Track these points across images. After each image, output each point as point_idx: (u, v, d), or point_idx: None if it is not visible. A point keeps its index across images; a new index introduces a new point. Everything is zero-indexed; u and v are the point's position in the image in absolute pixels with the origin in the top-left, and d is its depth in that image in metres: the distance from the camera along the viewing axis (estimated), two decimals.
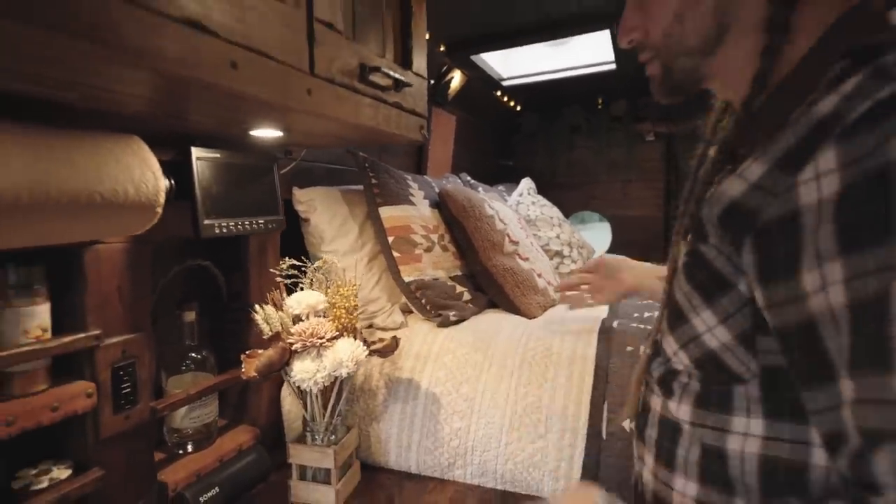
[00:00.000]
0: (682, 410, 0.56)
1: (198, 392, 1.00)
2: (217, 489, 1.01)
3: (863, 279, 0.38)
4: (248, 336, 1.16)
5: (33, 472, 0.79)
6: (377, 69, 0.82)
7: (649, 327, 1.14)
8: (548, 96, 2.71)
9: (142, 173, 0.69)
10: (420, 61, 1.02)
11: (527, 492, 1.05)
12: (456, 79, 2.03)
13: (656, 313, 0.68)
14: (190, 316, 1.05)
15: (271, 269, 1.09)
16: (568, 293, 1.20)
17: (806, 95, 0.44)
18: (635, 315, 1.27)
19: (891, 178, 0.37)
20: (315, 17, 0.68)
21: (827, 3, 0.48)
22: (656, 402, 0.61)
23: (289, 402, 1.25)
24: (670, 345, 0.58)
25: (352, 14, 0.79)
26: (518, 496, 1.04)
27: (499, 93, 2.48)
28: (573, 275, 1.21)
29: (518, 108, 2.84)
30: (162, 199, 0.72)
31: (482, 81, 2.20)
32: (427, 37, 1.10)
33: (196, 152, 0.87)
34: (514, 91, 2.50)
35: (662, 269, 1.02)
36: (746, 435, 0.50)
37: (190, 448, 1.05)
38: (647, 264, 1.14)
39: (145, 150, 0.71)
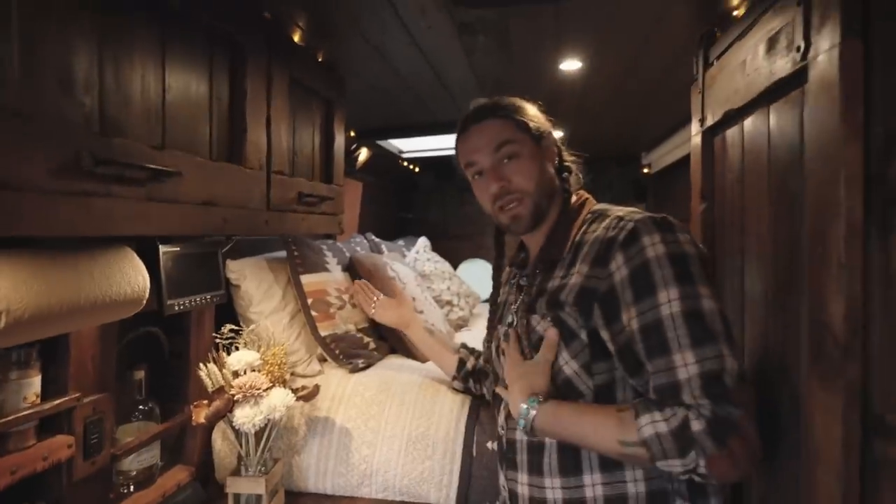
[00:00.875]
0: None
1: (149, 438, 1.21)
2: None
3: (645, 314, 0.76)
4: (188, 389, 1.37)
5: None
6: (309, 194, 1.15)
7: None
8: (441, 161, 3.16)
9: (135, 277, 0.94)
10: (339, 175, 1.36)
11: (419, 500, 1.37)
12: (363, 153, 2.38)
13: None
14: (139, 374, 1.26)
15: (215, 334, 1.33)
16: (361, 288, 1.58)
17: (572, 232, 0.91)
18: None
19: (649, 267, 0.77)
20: (272, 171, 1.00)
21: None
22: (521, 434, 0.93)
23: (219, 443, 1.47)
24: None
25: (291, 158, 1.12)
26: None
27: (399, 160, 2.87)
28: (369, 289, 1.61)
29: (416, 169, 3.25)
30: (147, 293, 0.98)
31: (385, 154, 2.57)
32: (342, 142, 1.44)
33: (162, 248, 1.12)
34: (412, 158, 2.91)
35: (425, 323, 1.51)
36: None
37: (132, 488, 1.24)
38: (422, 325, 1.55)
39: (136, 259, 0.96)
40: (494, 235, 1.14)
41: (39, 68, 0.55)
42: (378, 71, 1.37)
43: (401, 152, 2.64)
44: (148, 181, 0.67)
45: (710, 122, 1.08)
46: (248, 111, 0.91)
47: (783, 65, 0.75)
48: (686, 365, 0.73)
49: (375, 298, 1.58)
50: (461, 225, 3.65)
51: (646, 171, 3.05)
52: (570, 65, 1.36)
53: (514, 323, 0.98)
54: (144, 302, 0.98)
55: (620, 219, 0.85)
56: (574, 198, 0.98)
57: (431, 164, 3.09)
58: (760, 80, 0.82)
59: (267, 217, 0.98)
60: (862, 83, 0.59)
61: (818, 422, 0.66)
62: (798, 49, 0.69)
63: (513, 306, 1.01)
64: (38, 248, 0.80)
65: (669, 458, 0.73)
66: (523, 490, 0.93)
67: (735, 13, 1.01)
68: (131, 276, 0.94)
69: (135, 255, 0.97)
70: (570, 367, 0.87)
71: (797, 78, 0.72)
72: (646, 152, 2.81)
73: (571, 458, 0.87)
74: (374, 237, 2.45)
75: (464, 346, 1.45)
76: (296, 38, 1.11)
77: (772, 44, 0.78)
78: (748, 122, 0.92)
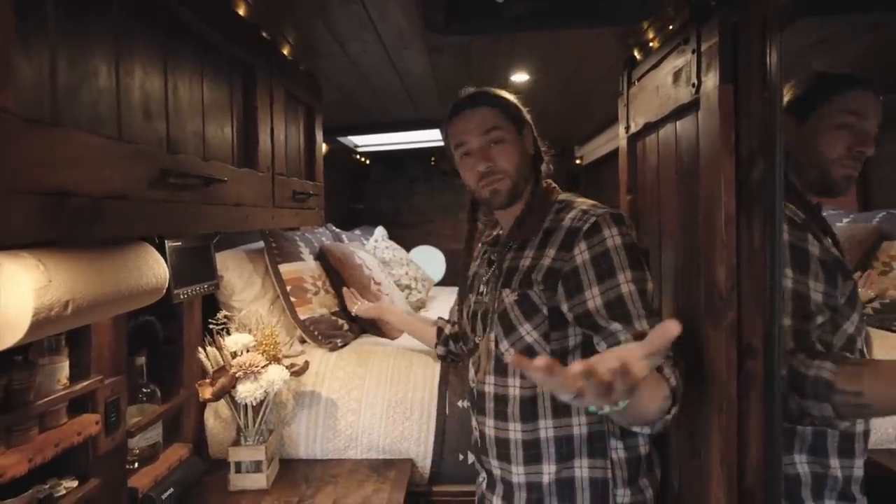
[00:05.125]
0: (510, 381, 1.10)
1: (156, 417, 1.33)
2: (171, 489, 1.34)
3: (608, 292, 0.94)
4: (182, 372, 1.49)
5: (46, 486, 1.08)
6: (301, 192, 1.30)
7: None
8: (392, 155, 3.32)
9: (158, 268, 1.07)
10: (319, 172, 1.52)
11: (400, 457, 1.58)
12: (323, 148, 2.50)
13: (478, 339, 1.21)
14: (141, 360, 1.37)
15: (211, 321, 1.45)
16: (348, 294, 1.82)
17: (543, 217, 1.09)
18: None
19: (609, 254, 0.97)
20: (275, 172, 1.15)
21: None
22: (489, 387, 1.14)
23: (211, 422, 1.60)
24: (503, 345, 1.10)
25: (286, 160, 1.27)
26: (395, 461, 1.57)
27: (353, 154, 3.01)
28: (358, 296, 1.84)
29: (367, 161, 3.39)
30: (167, 282, 1.11)
31: (341, 149, 2.71)
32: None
33: (168, 243, 1.24)
34: (365, 152, 3.05)
35: (404, 311, 1.76)
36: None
37: (137, 465, 1.36)
38: (400, 310, 1.79)
39: (156, 253, 1.08)
40: (468, 212, 1.26)
41: (129, 99, 0.69)
42: (350, 78, 1.53)
43: (356, 146, 2.78)
44: (202, 187, 0.82)
45: (633, 129, 1.34)
46: (259, 123, 1.06)
47: (684, 93, 1.00)
48: (646, 329, 0.90)
49: (359, 302, 1.78)
50: (410, 214, 3.84)
51: (578, 161, 3.37)
52: (520, 77, 1.59)
53: (486, 293, 1.19)
54: (165, 290, 1.11)
55: (585, 212, 1.02)
56: (543, 184, 1.15)
57: (383, 157, 3.25)
58: (669, 102, 1.08)
59: (273, 213, 1.14)
60: (733, 115, 0.86)
61: (711, 351, 0.93)
62: (693, 85, 0.95)
63: (484, 278, 1.22)
64: (88, 245, 0.92)
65: (676, 404, 0.86)
66: (490, 432, 1.13)
67: (651, 44, 1.27)
68: (155, 268, 1.07)
69: (154, 249, 1.09)
70: (530, 335, 1.05)
71: (694, 105, 0.98)
72: (578, 146, 3.13)
73: (530, 408, 1.08)
74: (334, 227, 2.58)
75: (440, 318, 1.64)
76: (285, 52, 1.26)
77: (676, 77, 1.04)
78: (662, 133, 1.18)
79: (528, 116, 1.14)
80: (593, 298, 0.97)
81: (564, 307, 1.01)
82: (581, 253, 0.99)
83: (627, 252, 0.97)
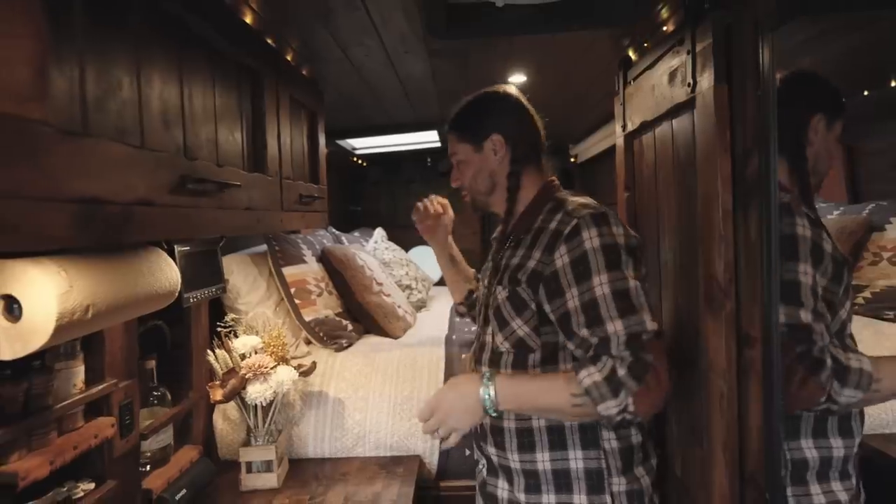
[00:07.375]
0: (503, 371, 1.12)
1: (167, 419, 1.35)
2: (185, 490, 1.37)
3: (583, 294, 0.96)
4: (191, 375, 1.51)
5: (64, 489, 1.10)
6: (308, 195, 1.33)
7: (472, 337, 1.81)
8: (389, 156, 3.35)
9: (170, 273, 1.09)
10: (322, 176, 1.54)
11: (407, 453, 1.61)
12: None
13: (475, 328, 1.28)
14: (151, 364, 1.39)
15: (217, 324, 1.48)
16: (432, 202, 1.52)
17: (537, 216, 1.11)
18: (465, 330, 1.93)
19: (586, 257, 0.99)
20: (283, 177, 1.18)
21: (534, 180, 1.17)
22: (485, 419, 1.15)
23: (220, 424, 1.62)
24: (498, 338, 1.15)
25: (291, 164, 1.30)
26: (403, 458, 1.59)
27: (351, 156, 3.03)
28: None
29: (365, 163, 3.41)
30: (179, 286, 1.13)
31: (339, 152, 2.73)
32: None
33: (178, 248, 1.26)
34: (362, 154, 3.08)
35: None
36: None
37: (149, 468, 1.38)
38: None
39: (168, 258, 1.11)
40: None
41: (149, 108, 0.72)
42: (351, 82, 1.56)
43: (354, 149, 2.80)
44: (217, 193, 0.84)
45: (630, 128, 1.37)
46: (267, 128, 1.09)
47: (680, 93, 1.04)
48: (616, 331, 0.94)
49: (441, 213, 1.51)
50: (408, 215, 3.86)
51: (573, 160, 3.41)
52: (517, 78, 1.62)
53: (486, 287, 1.23)
54: (177, 294, 1.13)
55: (569, 213, 1.04)
56: (536, 187, 1.15)
57: (380, 159, 3.28)
58: (665, 101, 1.12)
59: (282, 216, 1.16)
60: (728, 114, 0.89)
61: (711, 341, 0.97)
62: (688, 84, 0.98)
63: (487, 272, 1.25)
64: (105, 251, 0.94)
65: (606, 401, 0.91)
66: (486, 420, 1.12)
67: (646, 45, 1.30)
68: (168, 273, 1.09)
69: (166, 254, 1.12)
70: (522, 329, 1.09)
71: (689, 104, 1.01)
72: (573, 144, 3.17)
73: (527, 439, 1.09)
74: (334, 230, 2.61)
75: (476, 278, 1.54)
76: (289, 58, 1.28)
77: (672, 77, 1.07)
78: (658, 131, 1.22)
79: (495, 123, 1.15)
80: (573, 299, 0.99)
81: (547, 308, 1.04)
82: (561, 257, 1.01)
83: (605, 253, 0.98)
